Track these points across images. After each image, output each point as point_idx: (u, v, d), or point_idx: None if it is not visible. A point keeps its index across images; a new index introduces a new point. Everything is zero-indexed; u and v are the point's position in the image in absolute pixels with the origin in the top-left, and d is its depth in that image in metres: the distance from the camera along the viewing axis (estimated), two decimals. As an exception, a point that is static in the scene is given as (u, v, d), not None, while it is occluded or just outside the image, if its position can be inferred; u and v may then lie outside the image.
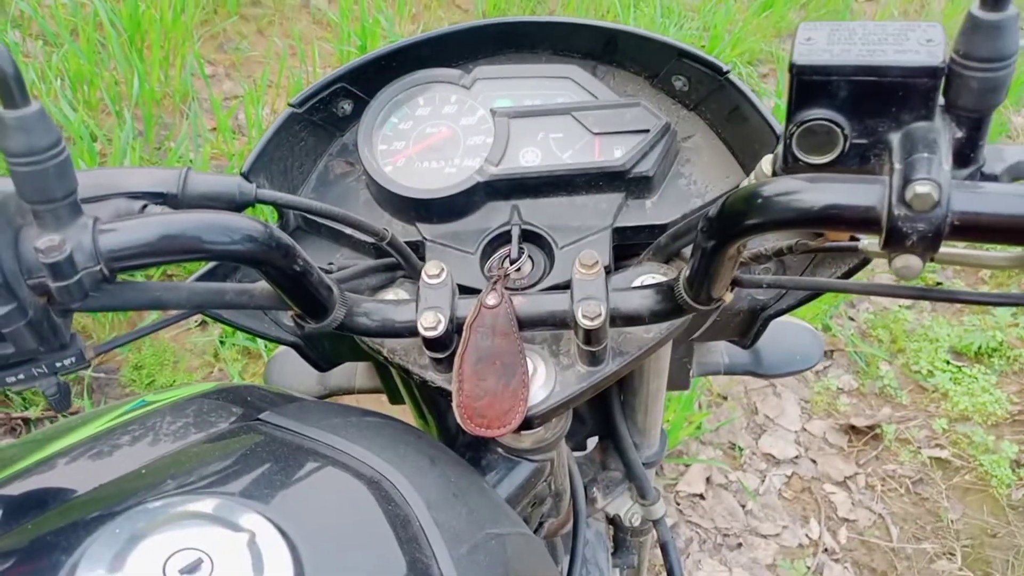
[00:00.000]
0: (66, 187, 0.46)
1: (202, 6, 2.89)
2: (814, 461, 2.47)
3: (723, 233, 0.51)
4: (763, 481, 2.38)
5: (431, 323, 0.63)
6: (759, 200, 0.47)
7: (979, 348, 2.63)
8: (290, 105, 0.74)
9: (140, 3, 2.58)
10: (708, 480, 2.34)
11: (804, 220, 0.46)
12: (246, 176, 0.70)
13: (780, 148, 0.51)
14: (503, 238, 0.74)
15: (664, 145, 0.73)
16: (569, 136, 0.75)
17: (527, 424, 0.65)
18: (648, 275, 0.70)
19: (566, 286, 0.67)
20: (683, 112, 0.78)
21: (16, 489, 0.54)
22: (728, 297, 0.60)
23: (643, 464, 0.94)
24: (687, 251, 0.71)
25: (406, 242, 0.74)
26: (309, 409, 0.64)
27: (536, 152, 0.75)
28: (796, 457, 2.45)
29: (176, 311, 0.57)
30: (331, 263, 0.72)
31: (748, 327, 0.76)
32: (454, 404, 0.64)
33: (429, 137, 0.77)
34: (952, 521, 2.26)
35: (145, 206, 0.54)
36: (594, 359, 0.66)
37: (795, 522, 2.31)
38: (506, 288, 0.66)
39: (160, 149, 2.45)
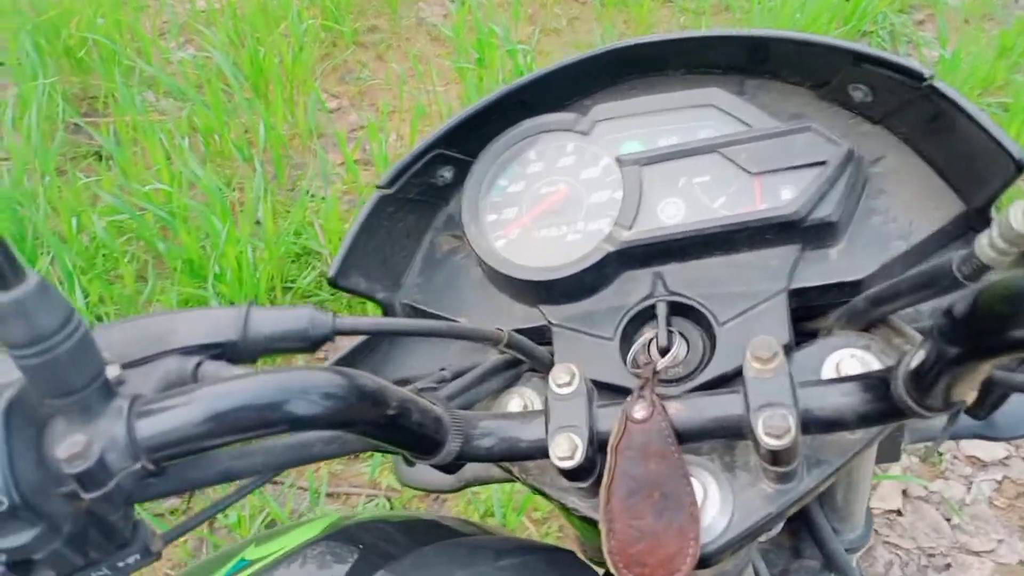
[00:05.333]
0: (88, 372, 0.37)
1: (320, 40, 2.89)
2: (1029, 460, 2.16)
3: (972, 343, 0.36)
4: (969, 489, 2.10)
5: (565, 452, 0.50)
6: None
7: None
8: (378, 187, 0.63)
9: (260, 48, 2.60)
10: (905, 493, 2.09)
11: None
12: (334, 281, 0.60)
13: None
14: (646, 314, 0.60)
15: (848, 179, 0.57)
16: (719, 179, 0.60)
17: (701, 563, 0.51)
18: (844, 351, 0.55)
19: (735, 374, 0.52)
20: (866, 127, 0.61)
21: None
22: (971, 397, 0.44)
23: (846, 550, 0.77)
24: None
25: (530, 328, 0.61)
26: (429, 563, 0.53)
27: (678, 204, 0.60)
28: (1006, 458, 2.15)
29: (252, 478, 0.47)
30: (443, 368, 0.60)
31: (982, 399, 0.58)
32: (604, 549, 0.51)
33: (545, 199, 0.64)
34: None
35: (200, 363, 0.44)
36: (782, 475, 0.51)
37: (1012, 535, 2.02)
38: (657, 394, 0.52)
39: (293, 191, 2.47)
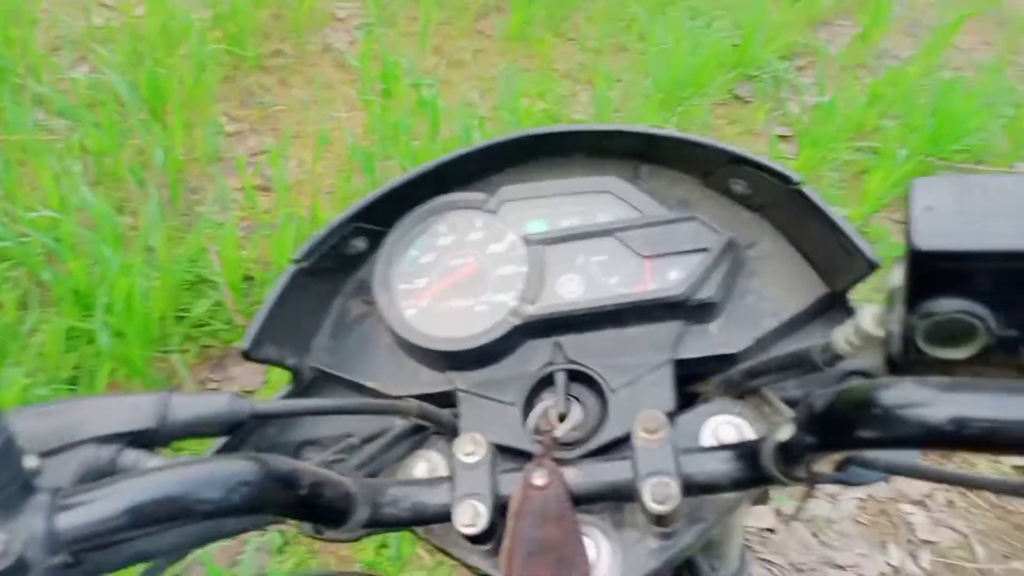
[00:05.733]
0: (9, 472, 0.39)
1: (222, 62, 2.85)
2: (888, 480, 2.32)
3: (827, 441, 0.42)
4: (836, 507, 2.25)
5: (469, 520, 0.54)
6: (876, 411, 0.38)
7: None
8: (294, 261, 0.66)
9: (159, 68, 2.54)
10: (778, 512, 2.22)
11: (947, 441, 0.36)
12: (248, 355, 0.62)
13: (895, 327, 0.41)
14: (546, 381, 0.65)
15: (728, 264, 0.63)
16: (614, 260, 0.66)
17: None
18: (720, 417, 0.61)
19: (626, 439, 0.58)
20: (745, 215, 0.68)
21: None
22: (831, 469, 0.50)
23: (722, 588, 0.84)
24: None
25: (437, 393, 0.65)
26: None
27: (577, 281, 0.65)
28: (870, 479, 2.31)
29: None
30: (351, 435, 0.63)
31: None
32: None
33: (454, 271, 0.68)
34: (1043, 537, 2.11)
35: (118, 452, 0.46)
36: (667, 533, 0.57)
37: (873, 549, 2.18)
38: (555, 458, 0.57)
39: (189, 216, 2.42)
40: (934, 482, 0.64)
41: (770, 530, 2.19)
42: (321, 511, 0.51)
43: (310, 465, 0.50)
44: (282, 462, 0.47)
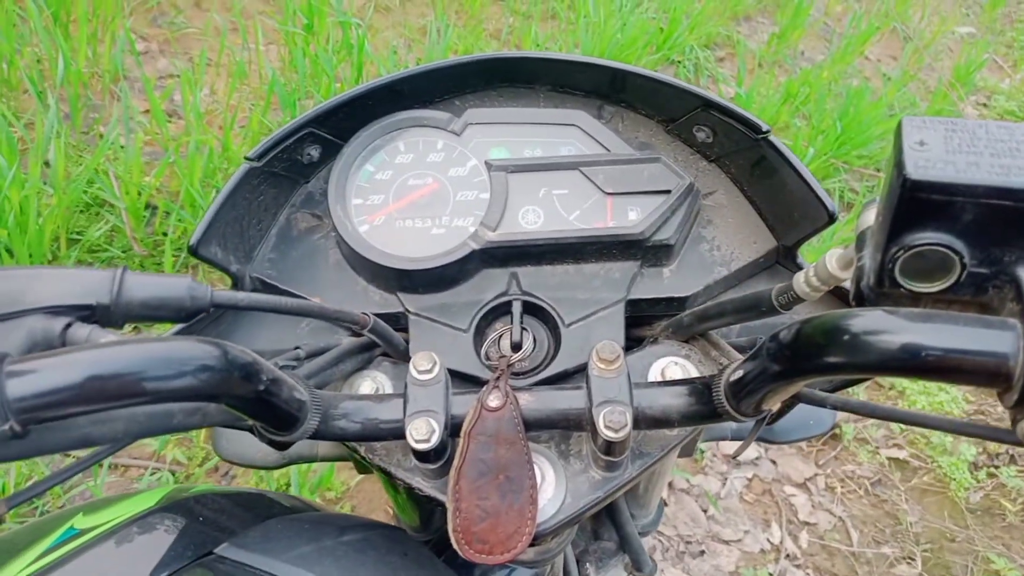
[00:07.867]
0: None
1: (134, -24, 2.67)
2: (774, 462, 2.44)
3: (793, 366, 0.42)
4: (724, 484, 2.34)
5: (423, 434, 0.53)
6: (846, 337, 0.38)
7: (936, 347, 2.62)
8: (247, 159, 0.62)
9: (64, -28, 2.36)
10: (670, 485, 2.29)
11: (906, 367, 0.37)
12: (195, 250, 0.58)
13: (868, 262, 0.42)
14: (499, 310, 0.64)
15: (687, 208, 0.64)
16: (576, 194, 0.65)
17: (533, 541, 0.56)
18: (668, 359, 0.61)
19: (576, 371, 0.58)
20: (703, 164, 0.69)
21: None
22: (776, 407, 0.52)
23: (639, 533, 0.86)
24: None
25: (386, 314, 0.63)
26: (274, 536, 0.53)
27: (538, 212, 0.64)
28: (757, 459, 2.42)
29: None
30: (299, 347, 0.61)
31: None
32: (449, 527, 0.54)
33: (413, 191, 0.66)
34: (911, 524, 2.26)
35: (69, 325, 0.42)
36: (611, 464, 0.57)
37: (756, 526, 2.28)
38: (510, 385, 0.56)
39: (88, 134, 2.27)
40: (881, 420, 0.66)
41: (663, 502, 2.25)
42: (276, 411, 0.49)
43: (268, 362, 0.48)
44: (243, 352, 0.44)
